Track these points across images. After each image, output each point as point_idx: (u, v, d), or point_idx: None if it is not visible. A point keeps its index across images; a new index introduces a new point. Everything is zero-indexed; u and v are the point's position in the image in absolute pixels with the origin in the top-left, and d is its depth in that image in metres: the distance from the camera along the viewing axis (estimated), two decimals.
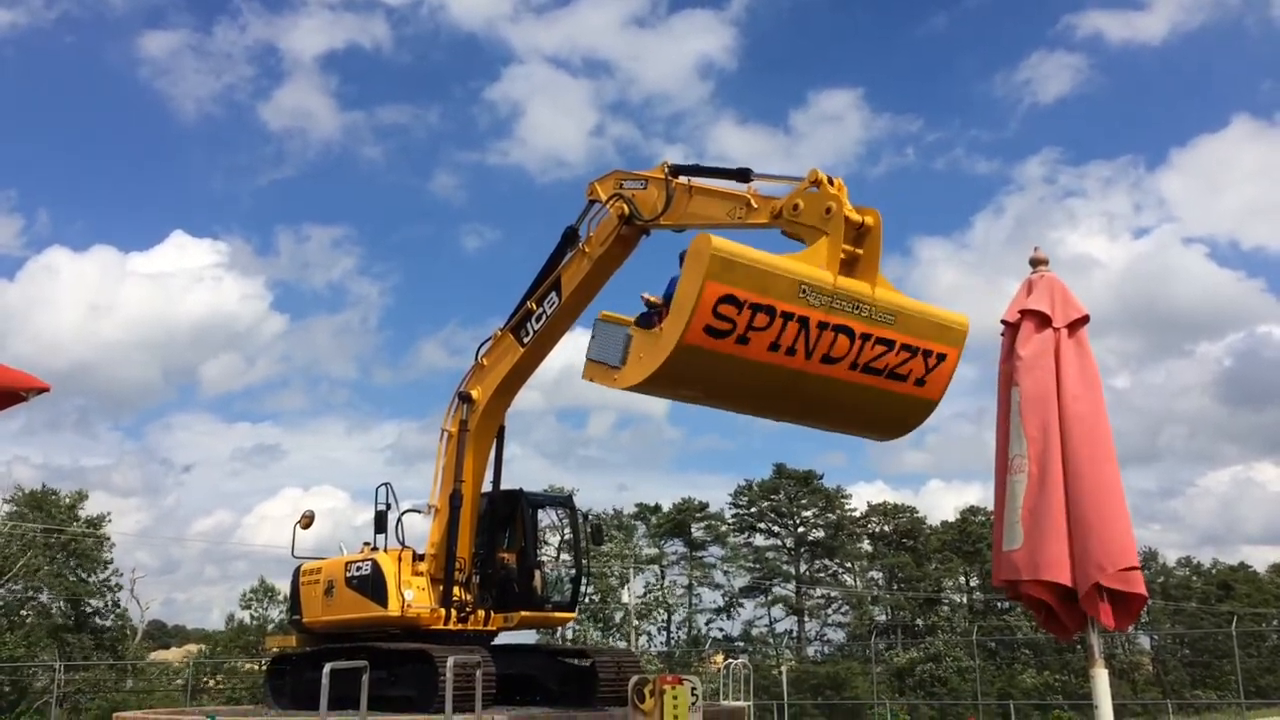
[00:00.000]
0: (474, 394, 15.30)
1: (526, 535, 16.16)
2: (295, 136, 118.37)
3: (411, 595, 14.84)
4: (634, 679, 11.98)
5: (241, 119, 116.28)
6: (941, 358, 10.59)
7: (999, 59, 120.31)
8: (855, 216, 10.32)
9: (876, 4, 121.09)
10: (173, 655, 57.13)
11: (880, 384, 10.30)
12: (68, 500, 47.31)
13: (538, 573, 16.05)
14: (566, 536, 17.19)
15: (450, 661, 11.98)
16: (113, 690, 41.51)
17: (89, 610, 47.01)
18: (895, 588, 61.03)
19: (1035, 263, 6.02)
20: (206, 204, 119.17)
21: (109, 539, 47.64)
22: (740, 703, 20.01)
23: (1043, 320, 5.71)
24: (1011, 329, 5.82)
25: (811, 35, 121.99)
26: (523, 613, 15.70)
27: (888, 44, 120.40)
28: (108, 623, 47.80)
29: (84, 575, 46.78)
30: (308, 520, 16.79)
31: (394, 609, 14.78)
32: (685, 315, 9.19)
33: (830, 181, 10.50)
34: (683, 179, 12.58)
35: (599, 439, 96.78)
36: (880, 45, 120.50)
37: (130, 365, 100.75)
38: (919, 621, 58.47)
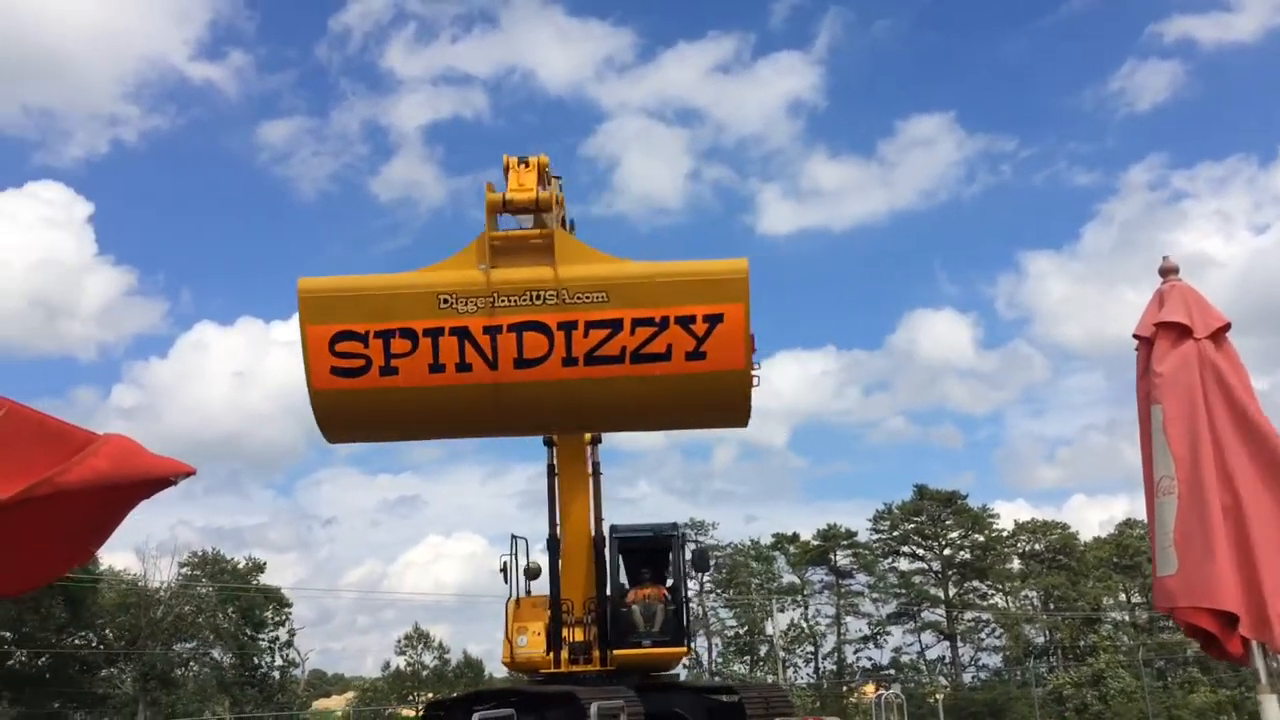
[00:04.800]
0: (554, 438, 15.29)
1: (612, 571, 15.41)
2: (406, 206, 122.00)
3: (525, 640, 14.88)
4: None
5: (355, 194, 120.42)
6: (715, 319, 8.79)
7: (1088, 72, 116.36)
8: (521, 196, 9.21)
9: (956, 29, 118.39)
10: (334, 703, 58.94)
11: (632, 371, 8.81)
12: (243, 567, 51.04)
13: (637, 609, 15.08)
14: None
15: (594, 708, 11.91)
16: None
17: (256, 664, 49.67)
18: (1051, 607, 58.69)
19: (1165, 272, 5.71)
20: (332, 272, 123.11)
21: (288, 603, 51.01)
22: None
23: (1181, 332, 5.42)
24: (1146, 344, 5.56)
25: (896, 66, 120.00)
26: (616, 651, 14.66)
27: (972, 67, 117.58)
28: (273, 671, 50.55)
29: (252, 634, 49.66)
30: (533, 573, 16.16)
31: (505, 655, 15.09)
32: (306, 365, 8.92)
33: (523, 162, 9.62)
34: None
35: (724, 472, 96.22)
36: (965, 69, 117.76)
37: (275, 428, 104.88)
38: (1080, 642, 56.04)
